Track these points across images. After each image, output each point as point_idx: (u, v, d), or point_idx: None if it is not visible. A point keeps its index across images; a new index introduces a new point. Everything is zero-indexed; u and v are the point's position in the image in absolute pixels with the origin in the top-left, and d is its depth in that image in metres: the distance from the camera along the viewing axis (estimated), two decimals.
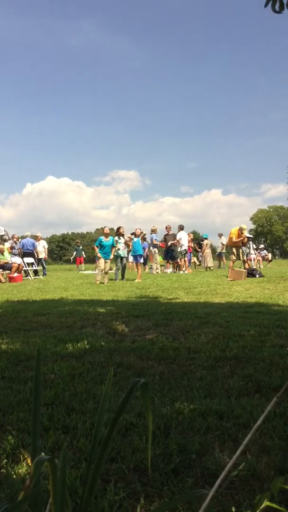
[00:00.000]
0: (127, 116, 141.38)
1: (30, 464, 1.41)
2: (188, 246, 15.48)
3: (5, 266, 12.52)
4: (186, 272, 14.66)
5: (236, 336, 3.44)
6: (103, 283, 10.31)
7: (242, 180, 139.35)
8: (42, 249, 15.83)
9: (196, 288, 8.04)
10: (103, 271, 10.72)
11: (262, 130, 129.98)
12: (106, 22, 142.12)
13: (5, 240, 14.53)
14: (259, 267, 17.86)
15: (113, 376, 2.43)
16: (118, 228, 12.04)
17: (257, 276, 11.07)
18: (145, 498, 1.28)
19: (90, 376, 2.47)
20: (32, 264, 14.54)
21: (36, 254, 15.09)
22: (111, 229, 12.63)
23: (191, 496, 1.22)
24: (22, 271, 13.27)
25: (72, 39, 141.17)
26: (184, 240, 14.81)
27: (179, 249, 14.76)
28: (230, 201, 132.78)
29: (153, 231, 15.03)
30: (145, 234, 14.70)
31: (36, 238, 15.91)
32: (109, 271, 11.20)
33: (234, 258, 11.82)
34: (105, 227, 11.65)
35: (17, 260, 12.95)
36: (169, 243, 15.08)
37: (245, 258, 12.91)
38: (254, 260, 16.53)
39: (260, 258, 20.36)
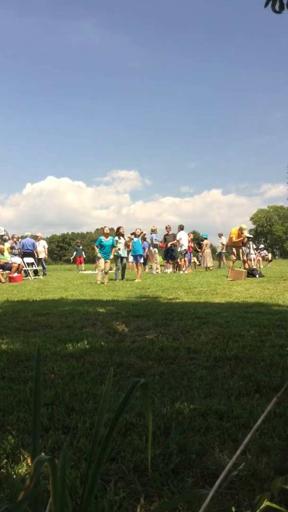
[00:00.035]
0: (127, 116, 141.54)
1: (30, 464, 1.41)
2: (188, 246, 15.48)
3: (5, 266, 12.52)
4: (186, 272, 14.66)
5: (236, 336, 3.44)
6: (103, 283, 10.31)
7: (242, 180, 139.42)
8: (42, 249, 15.83)
9: (196, 288, 8.04)
10: (103, 271, 10.72)
11: (262, 129, 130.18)
12: (106, 22, 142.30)
13: (5, 240, 14.54)
14: (259, 267, 17.85)
15: (113, 376, 2.43)
16: (118, 228, 12.05)
17: (257, 276, 11.07)
18: (145, 498, 1.28)
19: (90, 376, 2.47)
20: (32, 264, 14.54)
21: (36, 254, 15.09)
22: (111, 229, 12.64)
23: (191, 496, 1.22)
24: (22, 271, 13.27)
25: (72, 38, 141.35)
26: (184, 240, 14.81)
27: (179, 249, 14.76)
28: (230, 201, 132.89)
29: (153, 231, 15.03)
30: (145, 234, 14.71)
31: (36, 238, 15.90)
32: (109, 271, 11.20)
33: (234, 258, 11.81)
34: (105, 227, 11.64)
35: (17, 260, 12.95)
36: (169, 244, 15.08)
37: (245, 258, 12.91)
38: (254, 260, 16.51)
39: (260, 258, 20.35)
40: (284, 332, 3.60)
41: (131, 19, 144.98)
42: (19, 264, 12.59)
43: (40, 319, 4.51)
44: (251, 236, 14.98)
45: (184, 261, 15.00)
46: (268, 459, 1.47)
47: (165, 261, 16.14)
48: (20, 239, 15.31)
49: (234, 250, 11.84)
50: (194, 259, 19.27)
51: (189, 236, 16.32)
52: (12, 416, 1.89)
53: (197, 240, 19.00)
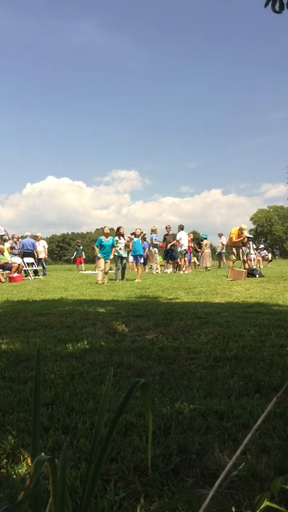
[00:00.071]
0: (127, 116, 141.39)
1: (30, 464, 1.41)
2: (188, 246, 15.48)
3: (5, 266, 12.52)
4: (186, 272, 14.66)
5: (236, 336, 3.44)
6: (103, 283, 10.31)
7: (242, 180, 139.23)
8: (42, 249, 15.84)
9: (196, 288, 8.04)
10: (103, 271, 10.73)
11: (262, 129, 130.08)
12: (106, 22, 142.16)
13: (5, 240, 14.54)
14: (259, 267, 17.86)
15: (113, 376, 2.43)
16: (118, 228, 12.05)
17: (257, 276, 11.07)
18: (145, 498, 1.28)
19: (90, 376, 2.47)
20: (32, 264, 14.54)
21: (36, 254, 15.10)
22: (111, 229, 12.64)
23: (191, 496, 1.22)
24: (22, 271, 13.27)
25: (72, 38, 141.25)
26: (184, 240, 14.81)
27: (179, 249, 14.76)
28: (230, 201, 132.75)
29: (153, 231, 15.03)
30: (145, 234, 14.71)
31: (36, 238, 15.90)
32: (109, 271, 11.20)
33: (234, 258, 11.81)
34: (105, 227, 11.64)
35: (17, 260, 12.95)
36: (169, 245, 15.08)
37: (245, 258, 12.91)
38: (254, 260, 16.52)
39: (260, 258, 20.35)
40: (284, 332, 3.60)
41: (131, 19, 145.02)
42: (19, 264, 12.59)
43: (40, 319, 4.51)
44: (251, 236, 14.98)
45: (184, 261, 15.00)
46: (268, 459, 1.47)
47: (165, 261, 16.14)
48: (20, 239, 15.31)
49: (234, 250, 11.84)
50: (194, 259, 19.27)
51: (189, 236, 16.32)
52: (12, 416, 1.89)
53: (197, 240, 19.00)
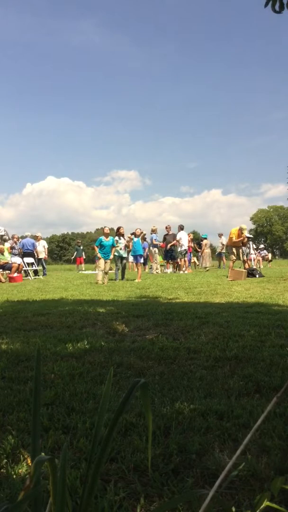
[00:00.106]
0: (127, 116, 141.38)
1: (30, 464, 1.41)
2: (188, 246, 15.48)
3: (5, 266, 12.52)
4: (186, 272, 14.66)
5: (236, 336, 3.44)
6: (103, 283, 10.31)
7: (242, 180, 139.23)
8: (42, 249, 15.84)
9: (196, 288, 8.04)
10: (103, 271, 10.73)
11: (262, 129, 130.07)
12: (106, 22, 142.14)
13: (5, 240, 14.54)
14: (259, 267, 17.85)
15: (113, 376, 2.43)
16: (118, 228, 12.05)
17: (257, 276, 11.07)
18: (145, 498, 1.28)
19: (90, 376, 2.47)
20: (32, 264, 14.54)
21: (36, 254, 15.10)
22: (111, 229, 12.64)
23: (191, 496, 1.22)
24: (22, 271, 13.27)
25: (72, 38, 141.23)
26: (184, 240, 14.81)
27: (179, 249, 14.76)
28: (230, 201, 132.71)
29: (153, 231, 15.03)
30: (145, 234, 14.71)
31: (36, 238, 15.91)
32: (109, 271, 11.20)
33: (234, 258, 11.82)
34: (105, 227, 11.65)
35: (17, 260, 12.95)
36: (169, 245, 15.08)
37: (245, 258, 12.91)
38: (254, 260, 16.52)
39: (260, 258, 20.36)
40: (284, 332, 3.60)
41: (131, 19, 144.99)
42: (19, 264, 12.59)
43: (40, 319, 4.51)
44: (251, 236, 14.98)
45: (184, 261, 15.00)
46: (268, 459, 1.47)
47: (165, 261, 16.15)
48: (20, 239, 15.31)
49: (234, 250, 11.84)
50: (194, 259, 19.27)
51: (189, 236, 16.32)
52: (12, 416, 1.89)
53: (197, 240, 19.01)
